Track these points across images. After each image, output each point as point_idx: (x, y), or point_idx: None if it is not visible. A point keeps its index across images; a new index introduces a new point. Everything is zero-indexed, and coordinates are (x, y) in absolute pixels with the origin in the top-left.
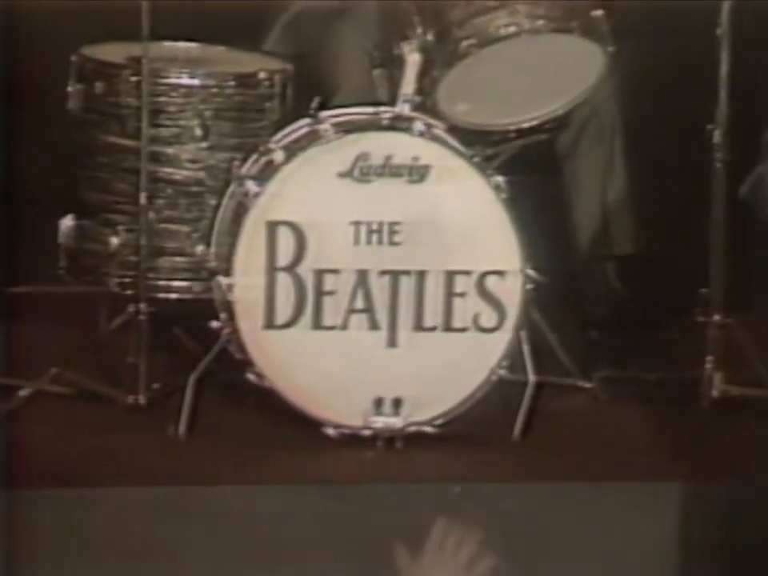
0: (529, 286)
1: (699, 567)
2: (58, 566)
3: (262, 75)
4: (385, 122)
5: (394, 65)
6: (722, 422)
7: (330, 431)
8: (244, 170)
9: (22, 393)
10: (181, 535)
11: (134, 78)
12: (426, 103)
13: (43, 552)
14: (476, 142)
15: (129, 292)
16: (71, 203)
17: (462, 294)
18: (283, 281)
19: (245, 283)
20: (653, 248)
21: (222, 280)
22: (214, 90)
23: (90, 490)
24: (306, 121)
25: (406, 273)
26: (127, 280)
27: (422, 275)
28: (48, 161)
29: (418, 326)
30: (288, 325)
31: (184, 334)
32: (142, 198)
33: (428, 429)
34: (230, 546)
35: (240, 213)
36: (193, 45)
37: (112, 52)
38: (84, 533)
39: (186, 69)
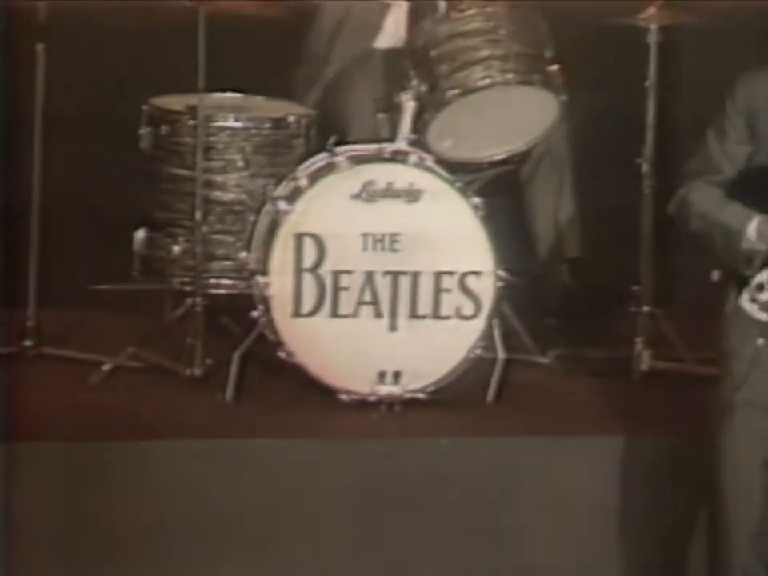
0: (499, 284)
1: (632, 498)
2: (135, 499)
3: (291, 119)
4: (387, 155)
5: (395, 110)
6: (650, 390)
7: (344, 397)
8: (276, 193)
9: (105, 367)
10: (228, 476)
11: (191, 122)
12: (419, 140)
13: (125, 491)
14: (458, 171)
15: (187, 289)
16: (143, 219)
17: (447, 290)
18: (307, 279)
19: (277, 281)
20: (596, 253)
21: (260, 279)
22: (253, 130)
23: (159, 442)
24: (325, 154)
25: (404, 273)
26: (186, 279)
27: (416, 275)
28: (125, 186)
29: (413, 315)
30: (311, 314)
31: (230, 321)
32: (198, 216)
33: (421, 395)
34: (265, 485)
35: (273, 226)
36: (237, 95)
37: (174, 102)
38: (154, 476)
39: (232, 114)
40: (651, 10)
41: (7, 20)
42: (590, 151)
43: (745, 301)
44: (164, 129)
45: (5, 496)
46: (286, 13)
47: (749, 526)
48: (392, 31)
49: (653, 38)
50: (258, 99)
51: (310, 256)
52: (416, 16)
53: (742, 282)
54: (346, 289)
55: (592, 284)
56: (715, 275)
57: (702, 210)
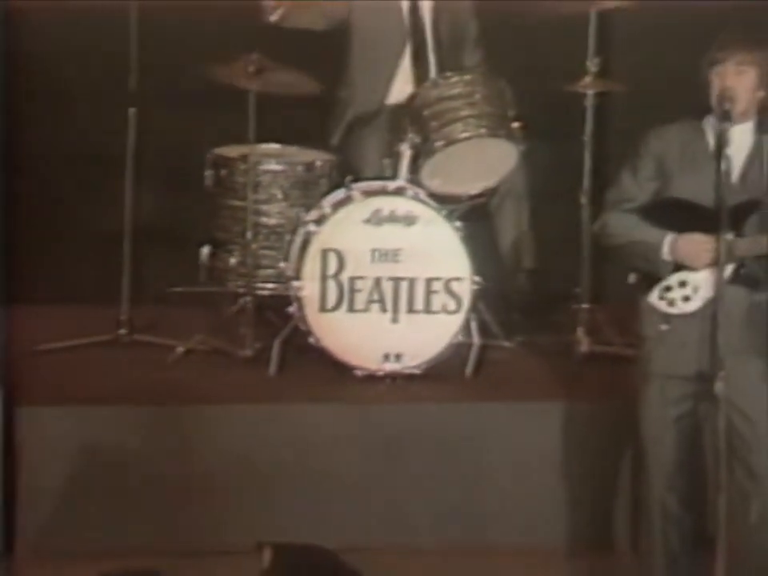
0: (474, 287)
1: (574, 448)
2: (204, 450)
3: (318, 163)
4: (390, 190)
5: (396, 156)
6: (588, 367)
7: (358, 372)
8: (307, 218)
9: (179, 350)
10: (271, 431)
11: (243, 166)
12: (414, 179)
13: (195, 444)
14: (444, 202)
15: (241, 291)
16: (207, 239)
17: (436, 291)
18: (330, 284)
19: (308, 285)
20: (547, 264)
21: (295, 283)
22: (290, 172)
23: (220, 406)
24: (344, 189)
25: (403, 279)
26: (240, 284)
27: (412, 280)
28: (194, 214)
29: (410, 310)
30: (333, 309)
31: (273, 315)
32: (248, 236)
33: (417, 371)
34: (298, 437)
35: (305, 244)
36: (277, 146)
37: (230, 151)
38: (216, 431)
39: (274, 160)
40: (588, 80)
41: (102, 85)
42: (543, 188)
43: (654, 298)
44: (223, 171)
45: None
46: (318, 90)
47: (664, 468)
48: (399, 90)
49: (589, 102)
50: (293, 148)
51: (332, 266)
52: (417, 80)
53: (651, 284)
54: (359, 290)
55: (544, 287)
56: (631, 278)
57: (620, 231)
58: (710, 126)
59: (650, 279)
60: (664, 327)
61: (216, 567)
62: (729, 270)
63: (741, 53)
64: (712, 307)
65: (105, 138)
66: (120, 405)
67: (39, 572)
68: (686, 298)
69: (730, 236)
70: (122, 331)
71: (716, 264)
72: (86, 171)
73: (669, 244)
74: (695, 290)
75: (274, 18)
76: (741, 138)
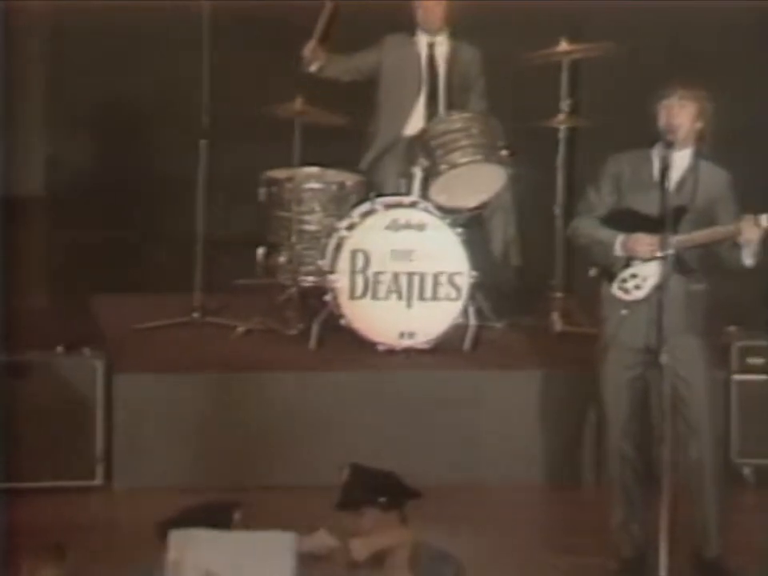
0: (472, 280)
1: (549, 406)
2: (256, 409)
3: (348, 183)
4: (406, 204)
5: (410, 177)
6: (561, 343)
7: (380, 347)
8: (340, 226)
9: (240, 329)
10: (311, 393)
11: (289, 185)
12: (424, 195)
13: (252, 405)
14: (448, 213)
15: (288, 283)
16: (262, 242)
17: (441, 283)
18: (358, 277)
19: (341, 278)
20: (529, 261)
21: (330, 277)
22: (326, 190)
23: (272, 373)
24: (369, 203)
25: (416, 273)
26: (287, 277)
27: (423, 274)
28: (252, 222)
29: (421, 298)
30: (360, 297)
31: (313, 302)
32: (293, 239)
33: (426, 346)
34: (333, 397)
35: (338, 245)
36: (316, 169)
37: (280, 173)
38: (269, 392)
39: (314, 180)
40: (561, 117)
41: (179, 119)
42: (525, 201)
43: (614, 288)
44: (273, 189)
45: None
46: (348, 121)
47: (620, 421)
48: (413, 125)
49: (562, 135)
50: (329, 171)
51: (360, 263)
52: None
53: (610, 277)
54: (381, 282)
55: (526, 280)
56: (592, 272)
57: (586, 233)
58: (655, 153)
59: (609, 273)
60: (624, 312)
61: (281, 499)
62: (669, 261)
63: (682, 90)
64: (657, 294)
65: (180, 162)
66: (195, 371)
67: (133, 502)
68: (637, 287)
69: (673, 238)
70: (196, 315)
71: (658, 258)
72: (165, 188)
73: (620, 242)
74: (644, 279)
75: (312, 68)
76: (681, 161)
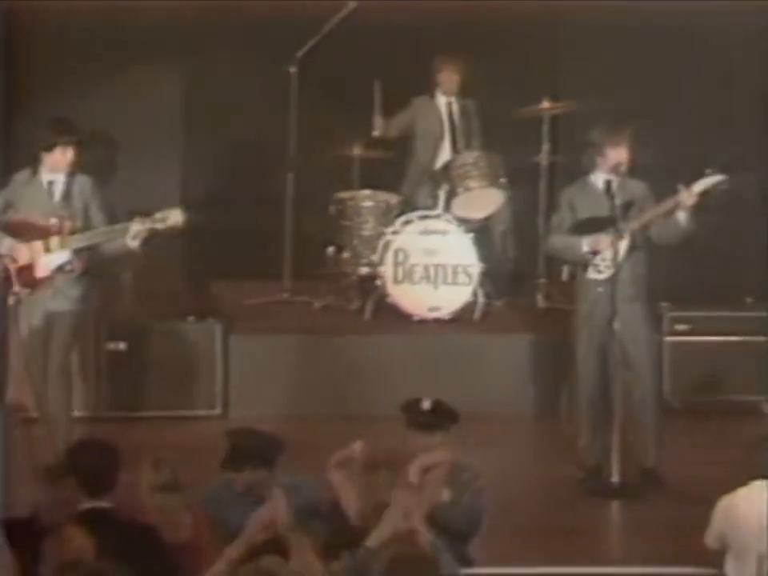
0: (479, 269)
1: (537, 363)
2: (324, 368)
3: (393, 202)
4: (433, 216)
5: (436, 197)
6: (544, 316)
7: (415, 318)
8: (387, 231)
9: (317, 305)
10: (368, 350)
11: (351, 203)
12: (447, 210)
13: (325, 363)
14: (463, 222)
15: (350, 271)
16: (333, 243)
17: (458, 272)
18: (400, 268)
19: (387, 269)
20: (521, 256)
21: (380, 268)
22: (377, 206)
23: (339, 336)
24: (407, 215)
25: (440, 265)
26: (350, 268)
27: (445, 265)
28: (326, 228)
29: (444, 282)
30: (401, 282)
31: (369, 285)
32: (355, 242)
33: (447, 317)
34: (382, 355)
35: (386, 246)
36: (369, 191)
37: (346, 195)
38: (337, 353)
39: (368, 199)
40: (542, 156)
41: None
42: (518, 215)
43: (590, 272)
44: (340, 206)
45: None
46: (392, 155)
47: (590, 378)
48: (441, 160)
49: (542, 170)
50: (380, 192)
51: (401, 258)
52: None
53: (585, 266)
54: (416, 272)
55: (519, 270)
56: (564, 273)
57: (559, 245)
58: (594, 177)
59: (583, 265)
60: (600, 290)
61: (345, 424)
62: (626, 244)
63: (627, 140)
64: (616, 267)
65: (276, 187)
66: (285, 334)
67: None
68: (607, 267)
69: (621, 225)
70: (286, 294)
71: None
72: (266, 205)
73: (586, 243)
74: (609, 262)
75: (376, 133)
76: (616, 181)
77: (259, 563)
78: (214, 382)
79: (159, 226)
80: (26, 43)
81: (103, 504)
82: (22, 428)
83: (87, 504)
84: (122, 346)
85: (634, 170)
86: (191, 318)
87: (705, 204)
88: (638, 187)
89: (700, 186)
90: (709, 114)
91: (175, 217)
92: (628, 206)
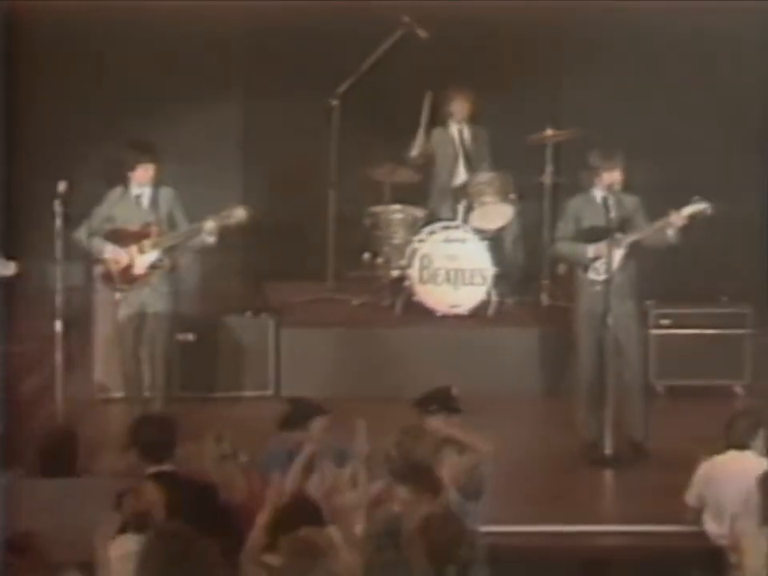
0: (493, 272)
1: (544, 349)
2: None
3: (419, 215)
4: (454, 227)
5: (456, 211)
6: (548, 312)
7: (438, 313)
8: (414, 240)
9: (354, 302)
10: (400, 339)
11: (383, 216)
12: (465, 221)
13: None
14: (479, 233)
15: (383, 274)
16: (368, 249)
17: (474, 275)
18: (425, 270)
19: (415, 272)
20: (528, 261)
21: (408, 270)
22: (406, 219)
23: (375, 329)
24: (432, 226)
25: (460, 269)
26: (382, 271)
27: (464, 269)
28: (360, 237)
29: (463, 283)
30: (426, 283)
31: (398, 286)
32: (386, 249)
33: (465, 313)
34: (413, 345)
35: (413, 252)
36: (399, 206)
37: (377, 208)
38: (372, 343)
39: (398, 212)
40: (546, 176)
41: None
42: (526, 226)
43: (590, 273)
44: (374, 218)
45: None
46: (419, 178)
47: (587, 365)
48: (458, 179)
49: (547, 189)
50: (408, 207)
51: (426, 262)
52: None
53: (585, 268)
54: (439, 274)
55: (527, 273)
56: (560, 268)
57: (565, 250)
58: (594, 192)
59: (584, 267)
60: (597, 288)
61: (375, 405)
62: (621, 252)
63: (619, 163)
64: (611, 276)
65: (320, 202)
66: (328, 327)
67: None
68: (605, 270)
69: (618, 235)
70: (328, 293)
71: (608, 254)
72: (312, 218)
73: (591, 249)
74: (606, 266)
75: (414, 153)
76: (612, 198)
77: (298, 533)
78: (268, 367)
79: (228, 221)
80: (107, 69)
81: (167, 467)
82: (103, 404)
83: (153, 468)
84: (190, 336)
85: (628, 186)
86: (249, 314)
87: (690, 224)
88: (631, 202)
89: (687, 210)
90: (698, 140)
91: (240, 213)
92: (623, 218)
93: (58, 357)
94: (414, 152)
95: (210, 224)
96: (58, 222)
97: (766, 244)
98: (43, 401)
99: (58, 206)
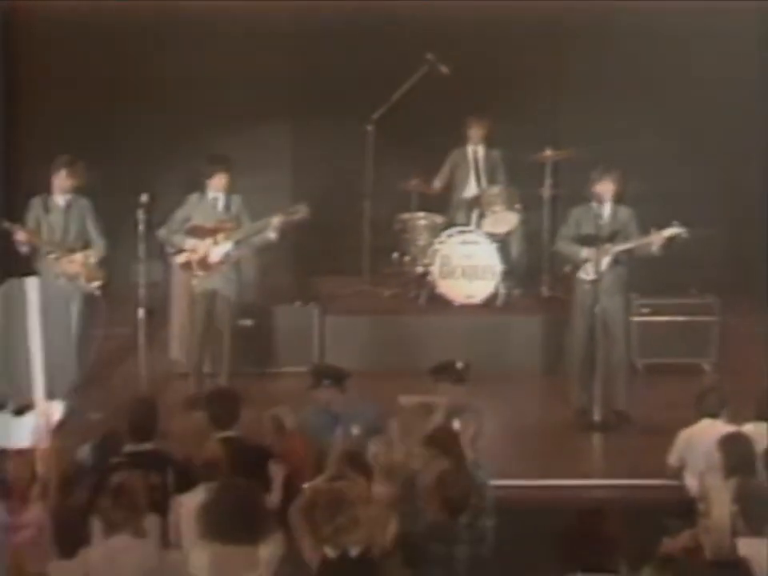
0: (501, 268)
1: (546, 332)
2: None
3: (439, 221)
4: (468, 231)
5: (469, 218)
6: (549, 302)
7: (456, 303)
8: (435, 242)
9: (386, 293)
10: (423, 324)
11: (410, 222)
12: (478, 227)
13: None
14: (490, 236)
15: (409, 270)
16: (397, 250)
17: (486, 271)
18: (444, 267)
19: (436, 268)
20: (530, 260)
21: (431, 267)
22: (429, 225)
23: (402, 315)
24: (449, 231)
25: (474, 265)
26: (409, 267)
27: (477, 266)
28: (390, 240)
29: (476, 278)
30: (446, 278)
31: (422, 280)
32: (412, 249)
33: (479, 302)
34: (432, 328)
35: (434, 252)
36: (423, 213)
37: (405, 216)
38: (400, 329)
39: (422, 219)
40: (546, 188)
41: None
42: (528, 230)
43: (581, 273)
44: (402, 224)
45: None
46: (439, 190)
47: (580, 347)
48: (470, 192)
49: (546, 200)
50: (431, 214)
51: (446, 260)
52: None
53: (578, 267)
54: (456, 271)
55: (530, 269)
56: (567, 268)
57: (566, 249)
58: (593, 203)
59: (578, 266)
60: (587, 287)
61: (404, 377)
62: (608, 259)
63: (608, 177)
64: (600, 275)
65: (356, 211)
66: (364, 315)
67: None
68: (593, 272)
69: (607, 245)
70: (365, 287)
71: (597, 258)
72: (351, 225)
73: (585, 252)
74: (596, 267)
75: (436, 185)
76: (608, 208)
77: (332, 485)
78: (313, 348)
79: (292, 217)
80: (177, 88)
81: (232, 433)
82: (178, 378)
83: (221, 434)
84: (248, 322)
85: (621, 199)
86: (298, 303)
87: (669, 243)
88: (624, 213)
89: (667, 232)
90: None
91: (303, 210)
92: (616, 227)
93: (141, 338)
94: (437, 183)
95: (276, 219)
96: (141, 227)
97: (729, 247)
98: (129, 374)
99: (141, 214)
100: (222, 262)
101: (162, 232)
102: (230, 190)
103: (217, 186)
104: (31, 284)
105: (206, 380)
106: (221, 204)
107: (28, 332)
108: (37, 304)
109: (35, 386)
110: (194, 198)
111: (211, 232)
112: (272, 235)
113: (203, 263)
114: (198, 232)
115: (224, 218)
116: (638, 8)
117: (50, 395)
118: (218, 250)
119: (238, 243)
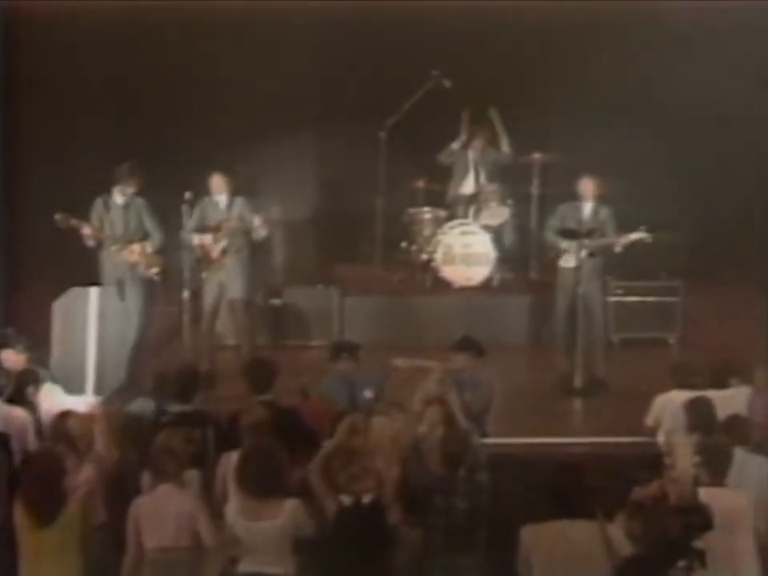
0: (495, 255)
1: (538, 311)
2: None
3: (441, 214)
4: (467, 223)
5: (467, 212)
6: (539, 287)
7: (456, 286)
8: (439, 232)
9: (397, 277)
10: (431, 304)
11: (417, 216)
12: (476, 219)
13: None
14: (485, 227)
15: (415, 258)
16: (405, 240)
17: (482, 257)
18: (447, 254)
19: (439, 256)
20: (521, 247)
21: (435, 255)
22: (433, 217)
23: (413, 296)
24: (451, 223)
25: (472, 253)
26: (415, 255)
27: (474, 253)
28: (399, 230)
29: (474, 264)
30: (448, 264)
31: (427, 265)
32: (419, 240)
33: (476, 285)
34: (437, 305)
35: (438, 241)
36: (428, 207)
37: (413, 210)
38: (410, 308)
39: (427, 212)
40: (534, 185)
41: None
42: (518, 221)
43: (563, 261)
44: (410, 217)
45: None
46: (441, 188)
47: (564, 323)
48: (468, 189)
49: (534, 196)
50: (435, 209)
51: (447, 249)
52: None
53: (560, 256)
54: (457, 257)
55: (520, 256)
56: (552, 255)
57: (550, 239)
58: (577, 202)
59: (560, 255)
60: (569, 272)
61: (417, 348)
62: (585, 252)
63: (591, 178)
64: (579, 263)
65: (370, 206)
66: (377, 295)
67: None
68: (574, 260)
69: (586, 240)
70: (377, 272)
71: (577, 250)
72: (365, 218)
73: (564, 243)
74: (576, 256)
75: (441, 158)
76: (590, 206)
77: (347, 441)
78: (333, 324)
79: (270, 217)
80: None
81: (268, 398)
82: (220, 349)
83: (260, 397)
84: (277, 302)
85: (603, 198)
86: (320, 286)
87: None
88: (604, 212)
89: (633, 236)
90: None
91: (276, 212)
92: (595, 224)
93: (185, 317)
94: (443, 158)
95: (257, 219)
96: (185, 220)
97: (693, 239)
98: (176, 346)
99: (185, 210)
100: (221, 257)
101: (185, 231)
102: (234, 193)
103: (216, 188)
104: (92, 293)
105: (250, 351)
106: (223, 205)
107: (86, 337)
108: (96, 312)
109: (86, 384)
110: (204, 200)
111: (212, 230)
112: (263, 233)
113: (208, 258)
114: (202, 230)
115: (225, 217)
116: (622, 20)
117: (98, 393)
118: (218, 246)
119: (232, 239)
